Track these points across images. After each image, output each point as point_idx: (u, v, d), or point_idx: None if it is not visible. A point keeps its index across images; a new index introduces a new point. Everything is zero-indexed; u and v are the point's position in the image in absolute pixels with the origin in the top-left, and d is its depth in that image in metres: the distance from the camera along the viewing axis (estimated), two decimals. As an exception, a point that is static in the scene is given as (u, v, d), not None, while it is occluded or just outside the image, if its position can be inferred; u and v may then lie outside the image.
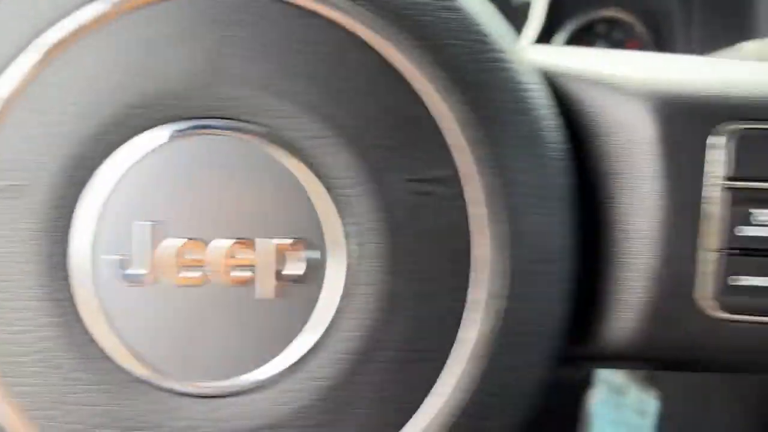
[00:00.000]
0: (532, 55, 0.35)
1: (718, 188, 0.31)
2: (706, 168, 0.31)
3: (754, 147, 0.31)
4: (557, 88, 0.33)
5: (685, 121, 0.31)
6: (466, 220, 0.29)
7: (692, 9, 0.87)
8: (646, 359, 0.36)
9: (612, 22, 0.90)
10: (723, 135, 0.31)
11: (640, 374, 0.74)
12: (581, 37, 0.90)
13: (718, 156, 0.31)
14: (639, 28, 0.89)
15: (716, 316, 0.31)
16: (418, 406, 0.29)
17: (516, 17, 0.89)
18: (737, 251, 0.31)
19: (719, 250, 0.31)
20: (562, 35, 0.89)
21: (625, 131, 0.32)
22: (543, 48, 0.38)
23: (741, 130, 0.31)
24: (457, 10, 0.29)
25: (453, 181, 0.28)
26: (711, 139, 0.31)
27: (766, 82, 0.33)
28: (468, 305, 0.29)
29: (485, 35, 0.30)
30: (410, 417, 0.29)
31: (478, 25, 0.29)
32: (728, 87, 0.32)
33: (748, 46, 0.62)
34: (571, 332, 0.34)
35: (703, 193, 0.31)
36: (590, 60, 0.35)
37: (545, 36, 0.89)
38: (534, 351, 0.30)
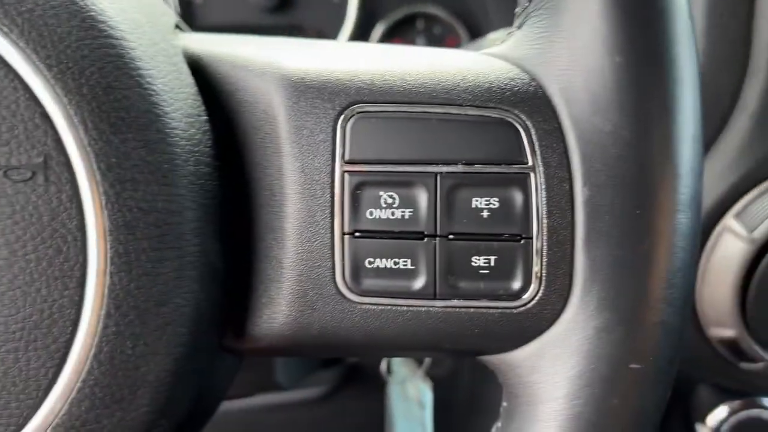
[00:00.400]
0: (186, 42, 0.35)
1: (345, 171, 0.31)
2: (336, 151, 0.32)
3: (372, 129, 0.32)
4: (208, 73, 0.34)
5: (314, 104, 0.32)
6: (72, 204, 0.28)
7: (506, 10, 0.88)
8: (300, 349, 0.36)
9: (432, 19, 0.91)
10: (346, 117, 0.32)
11: (417, 364, 0.75)
12: (401, 33, 0.91)
13: (343, 139, 0.32)
14: (457, 25, 0.90)
15: (354, 300, 0.32)
16: (40, 397, 0.29)
17: (337, 14, 0.90)
18: (367, 234, 0.32)
19: (351, 234, 0.32)
20: (379, 30, 0.90)
21: (265, 116, 0.32)
22: (208, 37, 0.38)
23: (360, 113, 0.32)
24: None
25: (55, 166, 0.28)
26: (339, 122, 0.32)
27: (388, 66, 0.33)
28: (84, 292, 0.29)
29: (95, 21, 0.29)
30: (33, 408, 0.29)
31: (85, 12, 0.29)
32: (354, 71, 0.32)
33: (492, 36, 0.63)
34: (230, 325, 0.34)
35: (335, 177, 0.32)
36: (240, 46, 0.35)
37: (365, 30, 0.90)
38: (159, 340, 0.30)
